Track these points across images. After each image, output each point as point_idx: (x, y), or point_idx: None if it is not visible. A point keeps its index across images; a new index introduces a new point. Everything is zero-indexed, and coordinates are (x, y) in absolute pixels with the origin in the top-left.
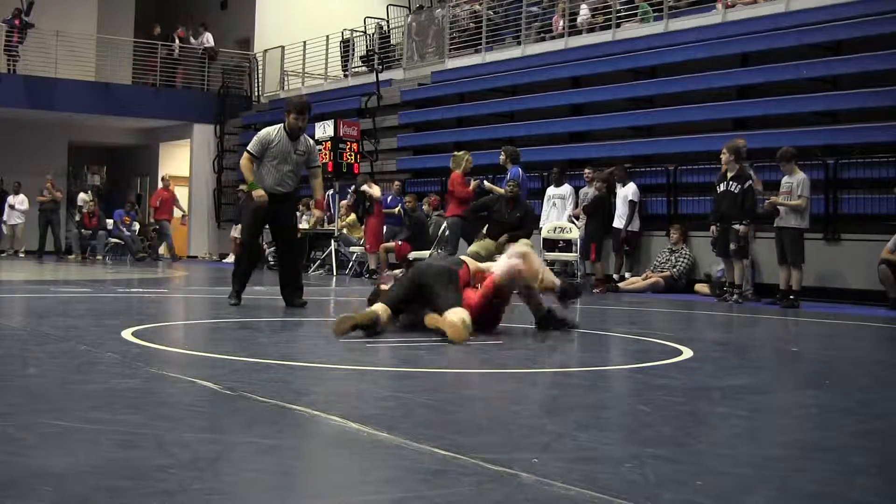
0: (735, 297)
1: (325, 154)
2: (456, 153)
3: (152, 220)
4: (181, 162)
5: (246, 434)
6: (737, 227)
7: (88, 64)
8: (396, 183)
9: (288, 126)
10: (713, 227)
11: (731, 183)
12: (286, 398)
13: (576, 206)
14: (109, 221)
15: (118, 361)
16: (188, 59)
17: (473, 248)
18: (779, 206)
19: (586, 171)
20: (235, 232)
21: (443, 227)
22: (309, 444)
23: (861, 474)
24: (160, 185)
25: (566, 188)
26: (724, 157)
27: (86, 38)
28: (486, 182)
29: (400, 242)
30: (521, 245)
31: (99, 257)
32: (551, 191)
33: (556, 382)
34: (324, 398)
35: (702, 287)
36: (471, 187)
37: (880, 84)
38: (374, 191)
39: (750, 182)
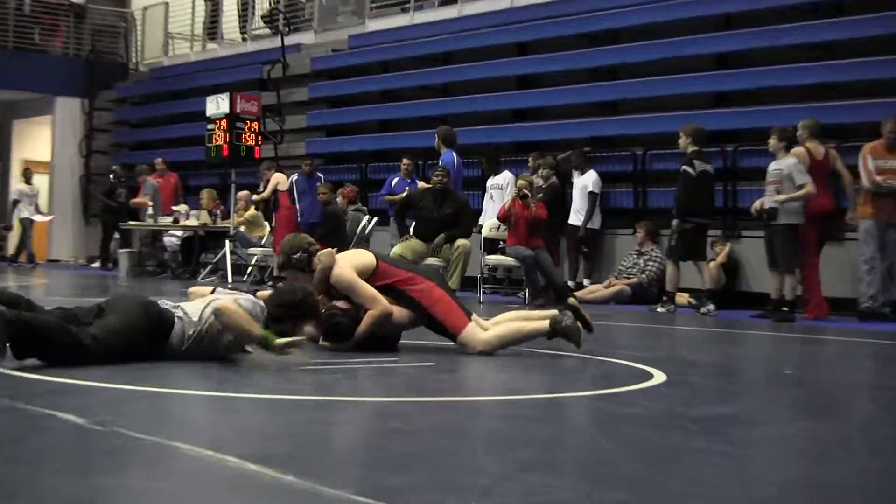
0: (710, 307)
1: (219, 135)
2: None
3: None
4: (41, 144)
5: (118, 477)
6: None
7: None
8: (406, 161)
9: None
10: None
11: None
12: (169, 434)
13: None
14: None
15: None
16: (49, 18)
17: (397, 249)
18: (773, 204)
19: (530, 158)
20: None
21: (361, 224)
22: (197, 491)
23: None
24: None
25: (505, 176)
26: (680, 141)
27: None
28: (419, 183)
29: None
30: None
31: None
32: (489, 180)
33: (499, 413)
34: (216, 433)
35: (679, 297)
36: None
37: None
38: (276, 179)
39: (683, 168)
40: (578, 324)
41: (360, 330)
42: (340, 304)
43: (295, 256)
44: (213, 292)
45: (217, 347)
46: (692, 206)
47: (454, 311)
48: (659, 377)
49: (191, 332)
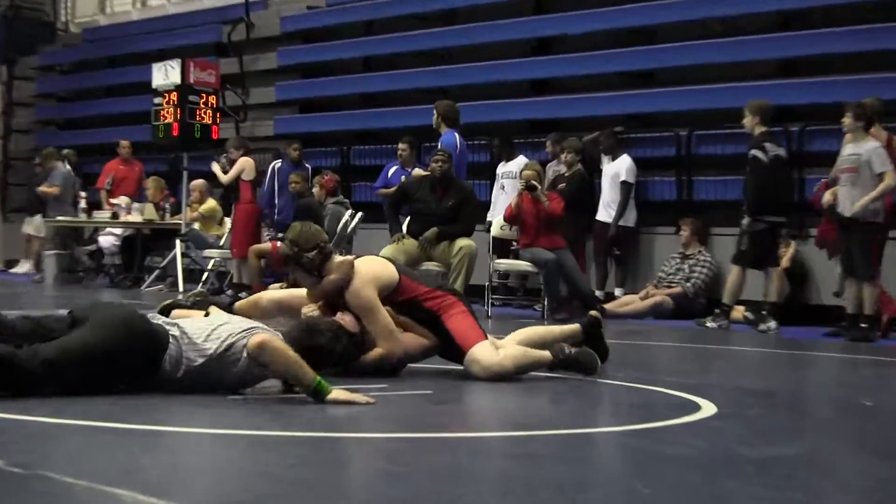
0: (771, 323)
1: (169, 111)
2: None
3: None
4: None
5: None
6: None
7: None
8: (403, 145)
9: None
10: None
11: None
12: (105, 478)
13: None
14: None
15: None
16: None
17: (387, 251)
18: (851, 210)
19: (547, 141)
20: (30, 227)
21: (343, 220)
22: None
23: None
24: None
25: (520, 162)
26: (745, 122)
27: None
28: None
29: (279, 243)
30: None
31: None
32: (500, 167)
33: (511, 451)
34: (163, 476)
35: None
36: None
37: None
38: (242, 165)
39: (753, 153)
40: (587, 348)
41: (363, 362)
42: (346, 319)
43: (308, 255)
44: (207, 314)
45: (226, 377)
46: (765, 201)
47: (470, 327)
48: (708, 409)
49: (191, 356)
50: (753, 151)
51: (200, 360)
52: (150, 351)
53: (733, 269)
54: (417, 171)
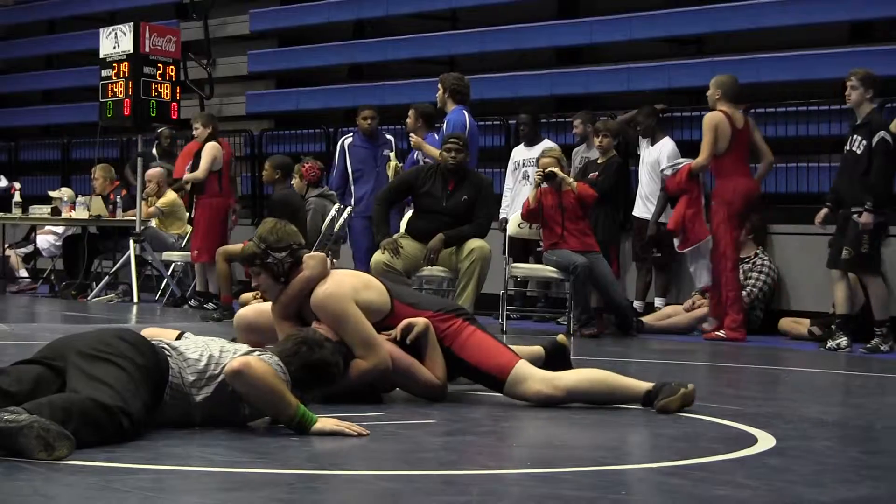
0: (841, 340)
1: (119, 85)
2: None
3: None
4: None
5: None
6: (856, 215)
7: None
8: (410, 113)
9: None
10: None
11: (854, 137)
12: None
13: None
14: None
15: None
16: None
17: (381, 257)
18: None
19: (576, 121)
20: None
21: (329, 216)
22: None
23: None
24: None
25: (543, 147)
26: (851, 95)
27: None
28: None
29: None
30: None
31: None
32: (519, 153)
33: (529, 491)
34: None
35: (793, 325)
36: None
37: None
38: (212, 152)
39: (883, 135)
40: (691, 386)
41: (345, 381)
42: (321, 328)
43: (277, 255)
44: (179, 338)
45: (235, 409)
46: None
47: (496, 349)
48: (766, 441)
49: (192, 379)
50: (882, 133)
51: (208, 387)
52: (160, 381)
53: (871, 283)
54: (418, 141)
